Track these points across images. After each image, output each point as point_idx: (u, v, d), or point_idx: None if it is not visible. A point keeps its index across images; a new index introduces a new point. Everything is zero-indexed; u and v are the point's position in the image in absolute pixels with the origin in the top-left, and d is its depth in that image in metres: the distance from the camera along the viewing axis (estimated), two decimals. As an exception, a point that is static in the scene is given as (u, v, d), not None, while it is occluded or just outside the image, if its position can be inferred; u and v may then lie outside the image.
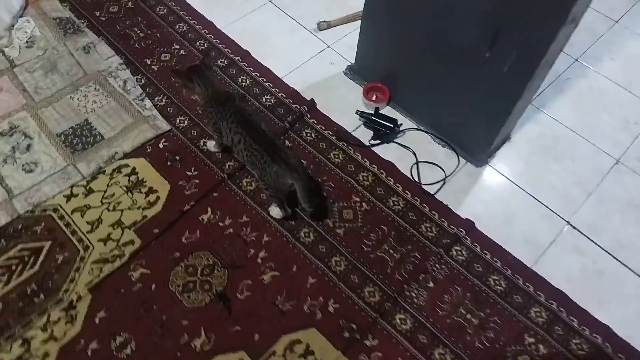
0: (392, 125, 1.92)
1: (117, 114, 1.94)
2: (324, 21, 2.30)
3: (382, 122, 1.93)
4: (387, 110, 2.03)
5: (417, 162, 1.89)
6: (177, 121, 1.95)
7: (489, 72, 1.57)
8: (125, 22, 2.26)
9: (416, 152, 1.91)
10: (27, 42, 2.13)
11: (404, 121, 2.01)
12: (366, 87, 2.05)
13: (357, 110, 2.00)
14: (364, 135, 1.97)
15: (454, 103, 1.81)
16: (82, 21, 2.25)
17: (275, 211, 1.71)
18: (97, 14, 2.29)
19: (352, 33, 2.29)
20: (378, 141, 1.94)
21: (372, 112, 1.96)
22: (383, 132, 1.93)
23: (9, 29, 2.15)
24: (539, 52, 1.41)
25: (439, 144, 1.95)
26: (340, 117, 2.01)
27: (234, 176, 1.81)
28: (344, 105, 2.05)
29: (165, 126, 1.92)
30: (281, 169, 1.54)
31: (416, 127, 1.99)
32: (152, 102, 1.99)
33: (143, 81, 2.06)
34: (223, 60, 2.15)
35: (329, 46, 2.25)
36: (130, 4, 2.33)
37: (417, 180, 1.85)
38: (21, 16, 2.21)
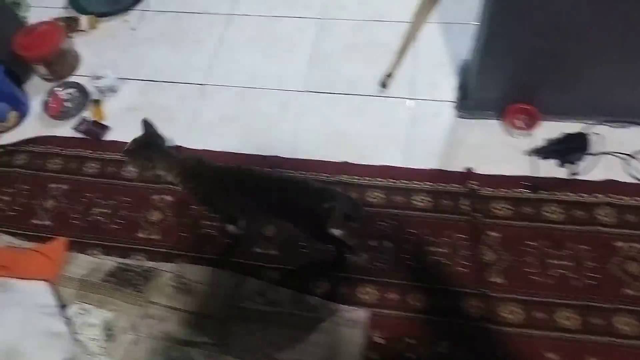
0: (582, 138, 1.56)
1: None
2: (385, 76, 1.85)
3: (568, 141, 1.57)
4: (548, 128, 1.65)
5: (630, 158, 1.56)
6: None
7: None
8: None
9: (618, 150, 1.58)
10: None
11: (567, 126, 1.65)
12: (508, 117, 1.66)
13: (539, 151, 1.61)
14: (550, 169, 1.60)
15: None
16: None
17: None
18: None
19: (417, 67, 1.88)
20: (575, 165, 1.57)
21: (554, 140, 1.59)
22: (572, 151, 1.56)
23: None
24: None
25: (623, 127, 1.63)
26: (506, 165, 1.61)
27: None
28: (496, 151, 1.65)
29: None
30: (311, 200, 1.30)
31: (590, 122, 1.63)
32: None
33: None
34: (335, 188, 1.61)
35: (411, 99, 1.82)
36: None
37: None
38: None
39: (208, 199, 1.46)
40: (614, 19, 1.33)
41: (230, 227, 1.56)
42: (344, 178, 1.65)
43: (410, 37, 1.93)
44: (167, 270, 1.54)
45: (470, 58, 1.77)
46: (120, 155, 1.78)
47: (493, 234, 1.50)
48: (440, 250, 1.49)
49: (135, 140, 1.38)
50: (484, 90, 1.67)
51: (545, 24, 1.36)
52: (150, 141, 1.40)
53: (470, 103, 1.71)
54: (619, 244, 1.45)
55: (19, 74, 2.02)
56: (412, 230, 1.53)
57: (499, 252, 1.47)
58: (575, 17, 1.33)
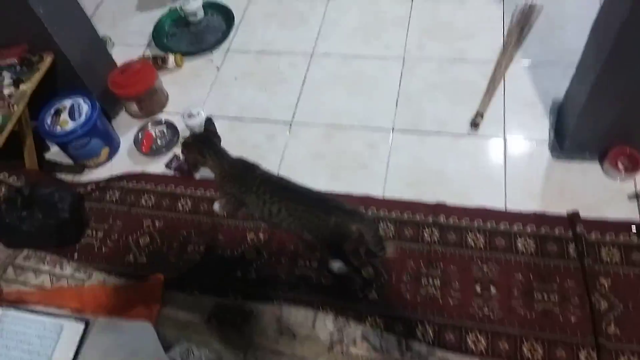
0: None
1: None
2: (475, 115, 1.85)
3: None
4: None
5: None
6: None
7: None
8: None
9: None
10: None
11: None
12: (610, 160, 1.63)
13: (634, 196, 1.57)
14: (656, 211, 1.56)
15: None
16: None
17: (337, 266, 1.52)
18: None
19: (508, 107, 1.87)
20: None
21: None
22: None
23: None
24: None
25: None
26: (609, 209, 1.57)
27: None
28: (597, 194, 1.62)
29: None
30: (340, 218, 1.37)
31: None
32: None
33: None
34: (429, 230, 1.61)
35: (505, 139, 1.81)
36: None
37: None
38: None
39: (242, 204, 1.55)
40: None
41: (335, 265, 1.55)
42: (441, 220, 1.64)
43: (497, 76, 1.94)
44: (267, 312, 1.53)
45: (567, 98, 1.76)
46: (212, 193, 1.83)
47: (604, 280, 1.46)
48: (550, 297, 1.45)
49: (193, 135, 1.47)
50: (584, 132, 1.64)
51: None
52: (206, 138, 1.58)
53: (567, 144, 1.69)
54: None
55: (108, 110, 2.09)
56: (517, 275, 1.50)
57: (611, 300, 1.43)
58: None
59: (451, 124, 1.87)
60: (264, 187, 1.48)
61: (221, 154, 1.57)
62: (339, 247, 1.45)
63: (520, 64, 2.00)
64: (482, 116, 1.84)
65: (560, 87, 1.80)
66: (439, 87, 1.99)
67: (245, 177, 1.52)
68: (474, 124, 1.83)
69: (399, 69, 2.08)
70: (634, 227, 1.52)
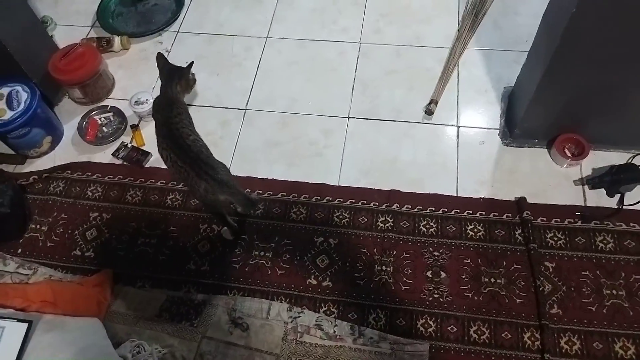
0: (633, 169, 1.58)
1: None
2: (429, 102, 1.85)
3: (619, 172, 1.58)
4: (595, 157, 1.67)
5: (673, 189, 1.59)
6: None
7: None
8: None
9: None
10: None
11: (613, 155, 1.68)
12: (557, 146, 1.66)
13: (588, 180, 1.63)
14: (599, 199, 1.61)
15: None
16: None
17: (225, 232, 1.63)
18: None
19: (461, 94, 1.89)
20: (623, 195, 1.59)
21: (609, 171, 1.60)
22: (623, 182, 1.58)
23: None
24: None
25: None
26: (556, 194, 1.62)
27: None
28: (546, 180, 1.66)
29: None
30: (210, 185, 1.39)
31: (636, 152, 1.67)
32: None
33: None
34: (385, 217, 1.62)
35: (458, 126, 1.82)
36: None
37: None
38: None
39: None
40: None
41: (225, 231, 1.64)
42: (394, 207, 1.65)
43: (451, 63, 1.94)
44: (220, 305, 1.52)
45: (517, 86, 1.79)
46: (163, 183, 1.77)
47: (548, 264, 1.51)
48: (497, 281, 1.50)
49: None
50: (533, 119, 1.68)
51: (604, 57, 1.38)
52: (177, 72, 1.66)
53: (517, 131, 1.72)
54: (673, 273, 1.47)
55: (49, 96, 1.98)
56: (467, 261, 1.54)
57: (555, 283, 1.48)
58: (633, 49, 1.35)
59: (406, 111, 1.87)
60: (161, 130, 1.50)
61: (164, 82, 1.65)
62: (213, 211, 1.58)
63: (474, 50, 2.01)
64: (436, 103, 1.84)
65: (512, 74, 1.82)
66: (395, 73, 1.98)
67: (158, 111, 1.59)
68: (428, 112, 1.83)
69: (355, 53, 2.05)
70: (578, 213, 1.58)
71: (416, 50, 2.03)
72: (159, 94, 1.65)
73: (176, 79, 1.63)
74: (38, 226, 1.73)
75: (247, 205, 1.49)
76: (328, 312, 1.49)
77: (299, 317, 1.48)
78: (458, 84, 1.92)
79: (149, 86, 2.01)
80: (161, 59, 1.71)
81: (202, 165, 1.40)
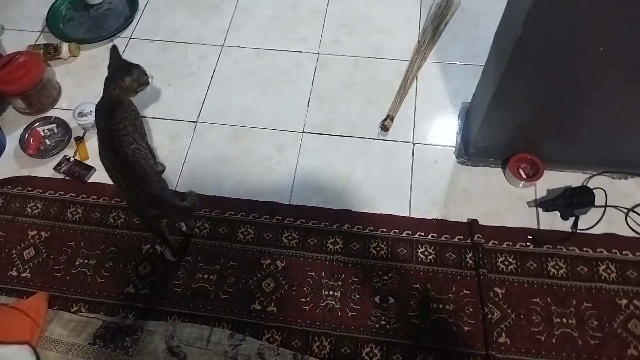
0: (587, 192, 1.55)
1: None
2: (385, 118, 1.80)
3: (573, 195, 1.54)
4: (550, 178, 1.63)
5: (628, 212, 1.56)
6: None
7: None
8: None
9: (619, 203, 1.57)
10: None
11: (568, 176, 1.64)
12: (511, 166, 1.62)
13: (542, 203, 1.59)
14: (553, 221, 1.57)
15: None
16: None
17: (167, 252, 1.56)
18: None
19: (419, 109, 1.83)
20: (577, 218, 1.56)
21: (563, 194, 1.56)
22: (577, 205, 1.54)
23: None
24: None
25: (622, 179, 1.63)
26: (509, 216, 1.58)
27: None
28: (499, 200, 1.62)
29: None
30: (139, 197, 1.36)
31: (591, 173, 1.64)
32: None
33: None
34: (335, 239, 1.56)
35: (413, 143, 1.77)
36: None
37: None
38: None
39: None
40: (618, 75, 1.32)
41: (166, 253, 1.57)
42: (345, 228, 1.60)
43: (410, 76, 1.89)
44: (159, 332, 1.45)
45: (472, 104, 1.75)
46: (105, 200, 1.69)
47: (498, 290, 1.48)
48: (446, 307, 1.45)
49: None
50: (487, 139, 1.63)
51: (557, 79, 1.34)
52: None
53: (471, 150, 1.68)
54: (623, 301, 1.44)
55: (-8, 107, 1.89)
56: (416, 286, 1.49)
57: (504, 310, 1.45)
58: (585, 72, 1.31)
59: (362, 126, 1.82)
60: (101, 137, 1.43)
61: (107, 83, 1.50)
62: (152, 229, 1.50)
63: (433, 64, 1.96)
64: (392, 119, 1.79)
65: (470, 89, 1.77)
66: (352, 86, 1.92)
67: (100, 117, 1.47)
68: (384, 128, 1.78)
69: (313, 65, 1.99)
70: (530, 236, 1.55)
71: (375, 63, 1.98)
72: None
73: (118, 77, 1.46)
74: (-27, 245, 1.65)
75: (184, 215, 1.46)
76: (271, 340, 1.43)
77: (241, 344, 1.42)
78: (416, 98, 1.87)
79: (98, 95, 1.92)
80: (114, 52, 1.56)
81: (134, 176, 1.35)
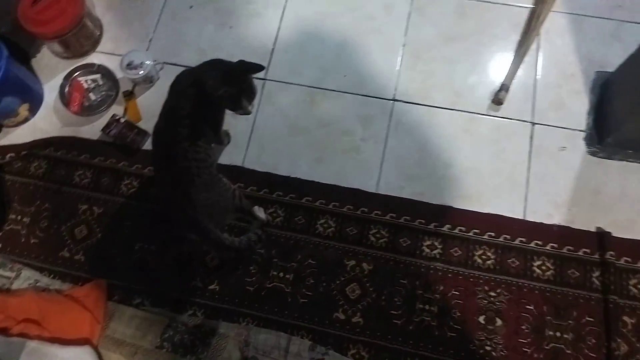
0: None
1: None
2: (499, 89, 1.46)
3: None
4: None
5: None
6: None
7: None
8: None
9: None
10: None
11: None
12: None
13: None
14: None
15: None
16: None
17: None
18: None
19: (540, 78, 1.47)
20: None
21: None
22: None
23: None
24: None
25: None
26: (649, 227, 1.31)
27: None
28: (636, 206, 1.33)
29: None
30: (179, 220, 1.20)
31: None
32: None
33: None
34: (432, 242, 1.33)
35: (533, 123, 1.44)
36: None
37: None
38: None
39: None
40: None
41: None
42: (445, 230, 1.35)
43: (531, 32, 1.50)
44: (231, 335, 1.30)
45: (617, 76, 1.38)
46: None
47: (628, 319, 1.25)
48: (564, 335, 1.24)
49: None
50: (633, 122, 1.29)
51: None
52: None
53: (610, 140, 1.35)
54: None
55: (24, 47, 1.59)
56: (529, 307, 1.27)
57: (633, 345, 1.23)
58: None
59: (468, 97, 1.48)
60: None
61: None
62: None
63: (560, 14, 1.54)
64: (507, 90, 1.45)
65: (608, 54, 1.41)
66: (456, 40, 1.54)
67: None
68: (497, 101, 1.44)
69: (406, 8, 1.59)
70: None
71: (486, 8, 1.57)
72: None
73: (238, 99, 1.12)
74: (19, 217, 1.47)
75: (224, 252, 1.28)
76: (357, 356, 1.27)
77: (324, 358, 1.27)
78: (536, 62, 1.50)
79: (145, 36, 1.61)
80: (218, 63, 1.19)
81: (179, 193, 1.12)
